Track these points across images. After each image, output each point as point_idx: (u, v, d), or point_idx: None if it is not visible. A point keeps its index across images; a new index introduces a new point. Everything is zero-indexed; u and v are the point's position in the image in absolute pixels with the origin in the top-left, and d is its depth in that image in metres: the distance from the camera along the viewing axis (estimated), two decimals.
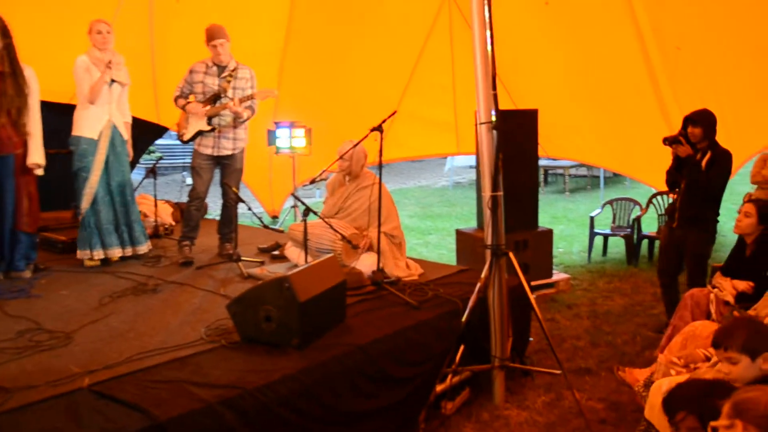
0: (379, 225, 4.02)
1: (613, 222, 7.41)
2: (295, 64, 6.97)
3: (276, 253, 5.01)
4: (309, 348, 2.96)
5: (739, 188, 7.95)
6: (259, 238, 5.57)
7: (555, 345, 4.50)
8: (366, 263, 4.18)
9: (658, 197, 7.12)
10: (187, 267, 4.75)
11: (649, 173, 7.30)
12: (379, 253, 4.02)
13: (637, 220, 7.01)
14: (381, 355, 3.08)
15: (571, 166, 13.20)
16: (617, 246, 7.43)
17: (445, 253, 7.61)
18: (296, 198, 3.82)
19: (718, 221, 4.42)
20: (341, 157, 4.33)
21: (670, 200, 6.73)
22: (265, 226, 4.99)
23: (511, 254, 3.52)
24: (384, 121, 3.78)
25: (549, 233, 6.04)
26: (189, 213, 5.07)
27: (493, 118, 3.44)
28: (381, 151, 3.84)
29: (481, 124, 3.50)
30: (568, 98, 6.98)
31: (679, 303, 3.80)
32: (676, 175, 4.47)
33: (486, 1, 3.34)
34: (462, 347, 3.48)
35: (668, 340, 3.74)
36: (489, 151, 3.50)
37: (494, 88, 3.39)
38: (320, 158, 7.54)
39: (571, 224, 9.40)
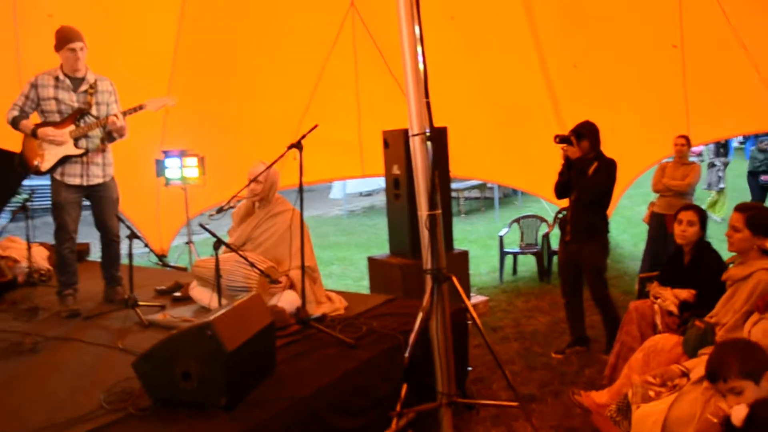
0: (302, 257, 3.59)
1: (522, 240, 7.39)
2: (185, 86, 6.35)
3: (178, 294, 4.39)
4: (240, 407, 2.48)
5: (621, 202, 8.28)
6: (155, 279, 4.91)
7: (492, 372, 4.27)
8: (287, 300, 3.72)
9: (564, 212, 7.17)
10: (73, 319, 4.03)
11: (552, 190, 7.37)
12: (303, 288, 3.58)
13: (546, 236, 7.01)
14: (325, 407, 2.64)
15: (465, 189, 13.32)
16: (525, 264, 7.42)
17: (351, 283, 7.29)
18: (205, 229, 3.32)
19: (609, 231, 4.43)
20: (256, 180, 3.86)
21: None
22: (165, 264, 4.36)
23: (454, 278, 3.21)
24: (304, 137, 3.40)
25: (465, 255, 5.87)
26: (63, 257, 4.27)
27: (428, 130, 3.15)
28: (301, 170, 3.43)
29: (413, 136, 3.19)
30: (472, 116, 6.91)
31: (624, 317, 3.67)
32: (565, 176, 4.39)
33: (415, 15, 3.09)
34: (405, 386, 3.12)
35: (617, 357, 3.59)
36: (424, 166, 3.21)
37: (427, 96, 3.11)
38: (215, 188, 6.94)
39: (472, 246, 9.34)
